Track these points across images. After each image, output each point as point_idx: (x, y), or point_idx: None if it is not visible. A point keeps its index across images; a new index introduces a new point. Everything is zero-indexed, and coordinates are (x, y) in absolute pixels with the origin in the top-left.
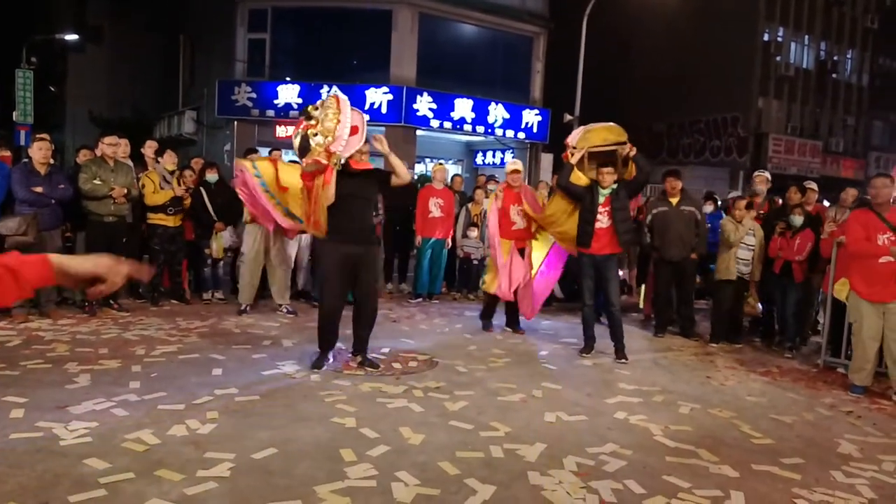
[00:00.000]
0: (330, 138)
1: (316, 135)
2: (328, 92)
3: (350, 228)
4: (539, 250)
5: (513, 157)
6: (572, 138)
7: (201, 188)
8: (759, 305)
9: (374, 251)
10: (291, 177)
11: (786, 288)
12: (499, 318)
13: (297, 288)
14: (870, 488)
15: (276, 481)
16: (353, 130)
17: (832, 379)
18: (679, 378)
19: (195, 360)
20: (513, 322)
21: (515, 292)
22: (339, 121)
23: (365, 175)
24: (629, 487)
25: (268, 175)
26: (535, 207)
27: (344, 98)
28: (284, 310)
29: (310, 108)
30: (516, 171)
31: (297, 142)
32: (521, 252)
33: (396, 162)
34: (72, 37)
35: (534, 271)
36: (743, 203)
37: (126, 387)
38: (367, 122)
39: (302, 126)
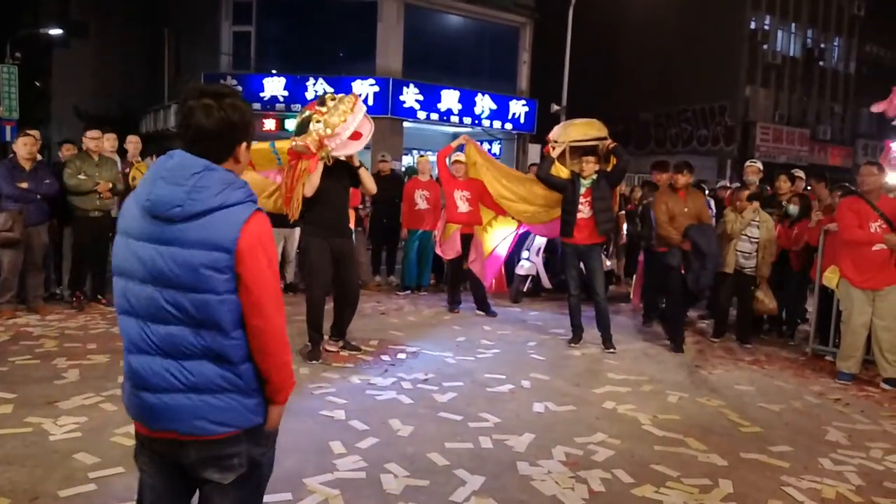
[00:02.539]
0: (329, 131)
1: (319, 122)
2: (314, 84)
3: (332, 219)
4: (502, 227)
5: (462, 151)
6: (554, 133)
7: None
8: (774, 303)
9: (352, 239)
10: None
11: (783, 276)
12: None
13: (286, 282)
14: (857, 475)
15: None
16: (356, 136)
17: (820, 367)
18: (667, 367)
19: None
20: (483, 306)
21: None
22: (345, 120)
23: (340, 164)
24: (617, 476)
25: None
26: (486, 200)
27: (362, 104)
28: None
29: (328, 96)
30: (458, 162)
31: (298, 119)
32: (467, 239)
33: (365, 175)
34: (56, 32)
35: (487, 249)
36: (745, 194)
37: (115, 381)
38: None
39: (312, 109)
